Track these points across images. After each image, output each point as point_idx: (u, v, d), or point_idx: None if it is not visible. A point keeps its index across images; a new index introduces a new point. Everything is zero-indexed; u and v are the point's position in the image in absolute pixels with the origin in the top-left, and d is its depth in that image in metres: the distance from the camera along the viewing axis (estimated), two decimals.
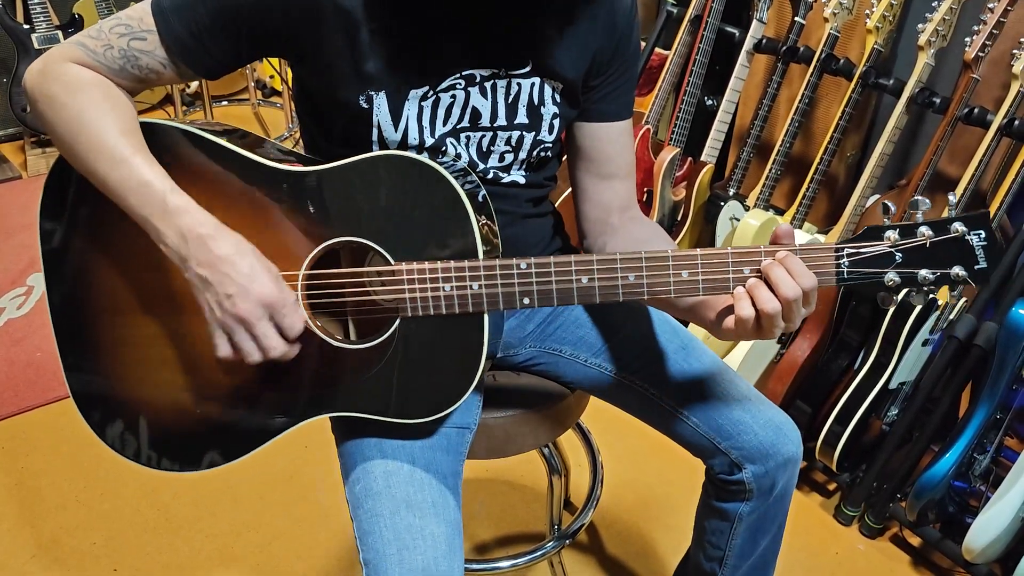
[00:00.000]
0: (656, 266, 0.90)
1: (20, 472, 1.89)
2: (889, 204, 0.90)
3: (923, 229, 0.86)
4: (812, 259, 0.88)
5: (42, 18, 3.05)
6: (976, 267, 0.86)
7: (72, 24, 3.16)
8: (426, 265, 0.92)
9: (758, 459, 1.10)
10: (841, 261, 0.88)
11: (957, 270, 0.86)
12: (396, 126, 0.99)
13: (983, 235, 0.85)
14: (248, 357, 0.91)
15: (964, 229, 0.86)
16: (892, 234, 0.87)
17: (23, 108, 3.11)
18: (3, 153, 3.33)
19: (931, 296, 0.89)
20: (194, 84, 3.67)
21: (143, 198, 0.88)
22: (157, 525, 1.77)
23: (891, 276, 0.87)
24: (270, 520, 1.79)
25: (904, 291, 0.89)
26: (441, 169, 0.92)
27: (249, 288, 0.87)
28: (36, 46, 3.05)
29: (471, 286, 0.92)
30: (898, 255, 0.87)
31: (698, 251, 0.89)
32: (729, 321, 0.92)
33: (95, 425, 1.04)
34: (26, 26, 3.05)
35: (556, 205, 1.25)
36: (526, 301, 0.93)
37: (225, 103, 3.89)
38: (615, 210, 1.15)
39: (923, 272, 0.87)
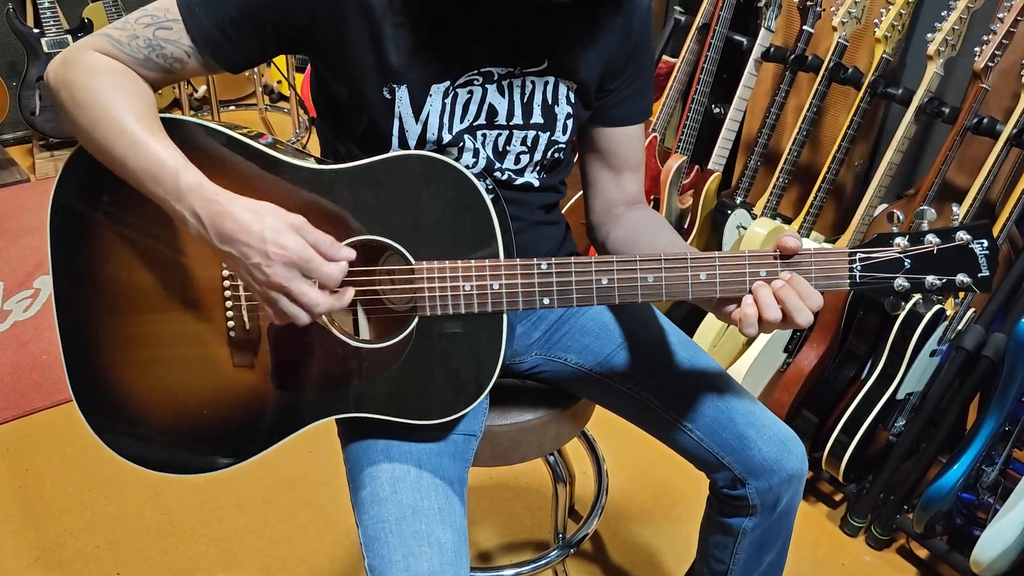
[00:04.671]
0: (675, 267, 0.92)
1: (24, 475, 1.89)
2: (897, 212, 0.93)
3: (930, 237, 0.90)
4: (827, 263, 0.91)
5: (52, 22, 3.07)
6: (979, 275, 0.90)
7: (82, 28, 3.18)
8: (446, 264, 0.93)
9: (762, 474, 1.10)
10: (854, 266, 0.91)
11: (962, 277, 0.90)
12: (417, 119, 0.99)
13: (985, 244, 0.89)
14: (297, 320, 0.88)
15: (968, 237, 0.89)
16: (901, 241, 0.90)
17: (32, 111, 3.12)
18: (12, 156, 3.34)
19: (937, 305, 0.93)
20: (202, 88, 3.69)
21: (158, 179, 0.88)
22: (161, 529, 1.77)
23: (900, 281, 0.91)
24: (274, 524, 1.79)
25: (913, 299, 0.90)
26: (463, 169, 0.93)
27: (269, 252, 0.85)
28: (46, 50, 3.07)
29: (491, 285, 0.93)
30: (907, 261, 0.90)
31: (716, 253, 0.91)
32: (733, 316, 0.93)
33: (98, 428, 1.03)
34: (36, 30, 3.07)
35: (562, 213, 1.25)
36: (546, 301, 0.94)
37: (232, 108, 3.91)
38: (620, 203, 1.17)
39: (930, 278, 0.90)
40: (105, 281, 0.99)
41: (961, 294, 0.93)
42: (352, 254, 0.90)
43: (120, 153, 0.89)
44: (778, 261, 0.91)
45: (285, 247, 0.85)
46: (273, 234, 0.85)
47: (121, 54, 0.93)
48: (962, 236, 0.89)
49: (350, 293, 0.91)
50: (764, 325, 0.90)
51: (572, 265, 0.93)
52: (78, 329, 1.01)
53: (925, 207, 0.91)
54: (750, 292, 0.91)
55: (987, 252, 0.89)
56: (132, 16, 0.94)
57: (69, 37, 3.12)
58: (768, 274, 0.91)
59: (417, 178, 0.93)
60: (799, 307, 0.89)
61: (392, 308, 0.99)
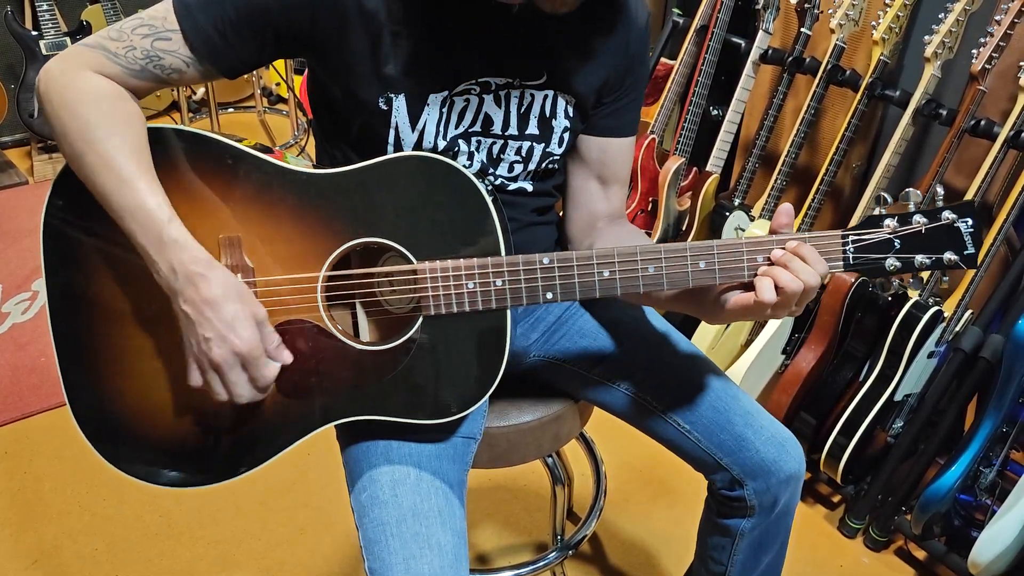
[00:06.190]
0: (675, 257, 0.93)
1: (23, 477, 1.89)
2: (886, 196, 0.96)
3: (918, 217, 0.92)
4: (821, 246, 0.92)
5: (50, 24, 3.07)
6: (965, 252, 0.93)
7: (80, 31, 3.18)
8: (449, 263, 0.93)
9: (759, 475, 1.10)
10: (847, 247, 0.93)
11: (949, 255, 0.93)
12: (413, 128, 0.99)
13: (970, 222, 0.92)
14: (215, 397, 0.91)
15: (954, 216, 0.92)
16: (891, 222, 0.93)
17: (30, 114, 3.12)
18: (10, 158, 3.34)
19: (929, 296, 0.94)
20: (200, 91, 3.69)
21: (141, 224, 0.87)
22: (159, 531, 1.77)
23: (892, 261, 0.93)
24: (272, 527, 1.79)
25: (906, 277, 0.93)
26: (462, 168, 0.93)
27: (226, 336, 0.87)
28: (44, 52, 3.07)
29: (494, 282, 0.94)
30: (897, 241, 0.93)
31: (714, 242, 0.93)
32: (738, 300, 0.93)
33: (94, 440, 1.01)
34: (34, 32, 3.07)
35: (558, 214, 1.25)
36: (549, 296, 0.95)
37: (231, 110, 3.91)
38: (604, 216, 1.16)
39: (920, 257, 0.93)
40: (101, 290, 0.98)
41: (961, 287, 0.94)
42: (289, 359, 0.93)
43: (105, 189, 0.88)
44: (775, 246, 0.92)
45: (241, 338, 0.88)
46: (235, 321, 0.87)
47: (116, 67, 0.92)
48: (948, 215, 0.91)
49: (265, 395, 0.94)
50: (781, 293, 0.90)
51: (574, 259, 0.93)
52: (74, 341, 0.99)
53: (910, 189, 0.94)
54: (765, 278, 0.91)
55: (972, 230, 0.92)
56: (128, 24, 0.93)
57: (67, 39, 3.12)
58: (765, 259, 0.93)
59: (416, 179, 0.94)
60: (802, 267, 0.90)
61: (396, 309, 0.99)
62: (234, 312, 0.88)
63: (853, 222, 1.85)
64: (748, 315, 0.94)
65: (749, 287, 0.93)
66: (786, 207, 0.93)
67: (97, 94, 0.90)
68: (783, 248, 0.91)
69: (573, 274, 0.94)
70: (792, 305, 0.91)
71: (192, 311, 0.87)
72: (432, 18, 0.95)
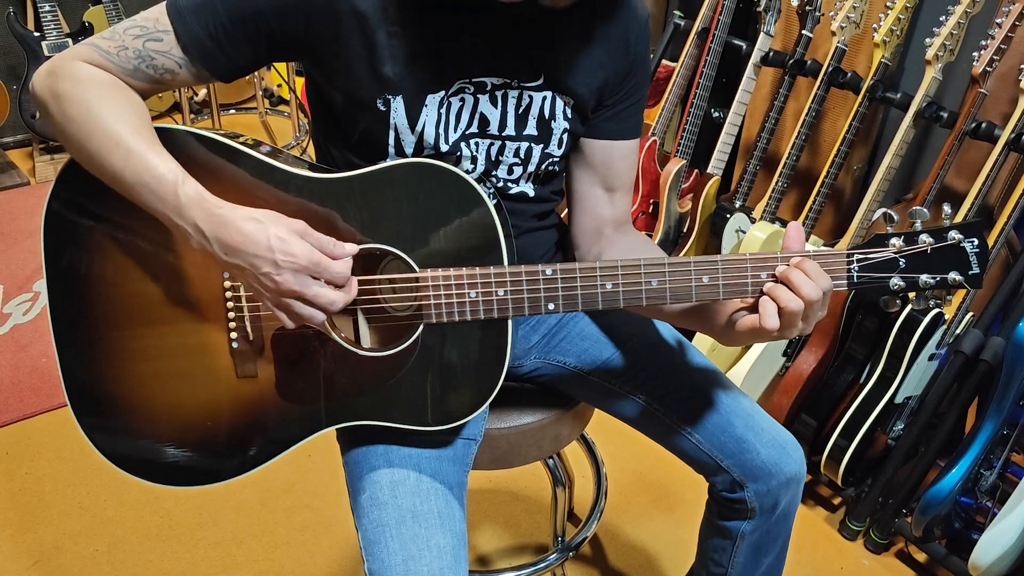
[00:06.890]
0: (679, 271, 0.93)
1: (24, 478, 1.89)
2: (892, 213, 0.95)
3: (924, 237, 0.92)
4: (826, 264, 0.92)
5: (52, 25, 3.07)
6: (970, 272, 0.93)
7: (82, 32, 3.19)
8: (451, 272, 0.93)
9: (760, 478, 1.10)
10: (852, 266, 0.93)
11: (954, 275, 0.93)
12: (413, 129, 0.99)
13: (976, 243, 0.92)
14: (313, 321, 0.89)
15: (960, 236, 0.92)
16: (897, 241, 0.92)
17: (32, 115, 3.13)
18: (12, 159, 3.35)
19: (934, 305, 0.95)
20: (202, 92, 3.69)
21: (157, 193, 0.87)
22: (160, 532, 1.77)
23: (896, 281, 0.93)
24: (272, 528, 1.79)
25: (908, 298, 0.94)
26: (465, 175, 0.92)
27: (279, 261, 0.85)
28: (46, 53, 3.08)
29: (497, 292, 0.93)
30: (902, 261, 0.93)
31: (718, 257, 0.92)
32: (746, 322, 0.93)
33: (95, 438, 1.01)
34: (36, 33, 3.07)
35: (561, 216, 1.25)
36: (551, 307, 0.94)
37: (233, 111, 3.92)
38: (610, 223, 1.15)
39: (924, 277, 0.93)
40: (102, 294, 0.98)
41: (961, 292, 0.94)
42: (355, 248, 0.91)
43: (116, 167, 0.87)
44: (779, 263, 0.92)
45: (294, 254, 0.86)
46: (280, 243, 0.85)
47: (109, 64, 0.91)
48: (954, 235, 0.92)
49: (355, 283, 0.92)
50: (784, 315, 0.89)
51: (577, 271, 0.93)
52: (76, 344, 0.99)
53: (917, 208, 0.93)
54: (765, 297, 0.91)
55: (977, 250, 0.92)
56: (120, 27, 0.93)
57: (69, 40, 3.13)
58: (769, 276, 0.92)
59: (420, 186, 0.93)
60: (803, 281, 0.89)
61: (397, 316, 0.99)
62: (274, 234, 0.85)
63: (853, 224, 1.86)
64: (759, 337, 0.93)
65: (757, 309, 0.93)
66: (796, 225, 0.92)
67: (93, 78, 0.90)
68: (787, 264, 0.91)
69: (576, 285, 0.93)
70: (798, 323, 0.90)
71: (236, 259, 0.86)
72: (428, 16, 0.95)
